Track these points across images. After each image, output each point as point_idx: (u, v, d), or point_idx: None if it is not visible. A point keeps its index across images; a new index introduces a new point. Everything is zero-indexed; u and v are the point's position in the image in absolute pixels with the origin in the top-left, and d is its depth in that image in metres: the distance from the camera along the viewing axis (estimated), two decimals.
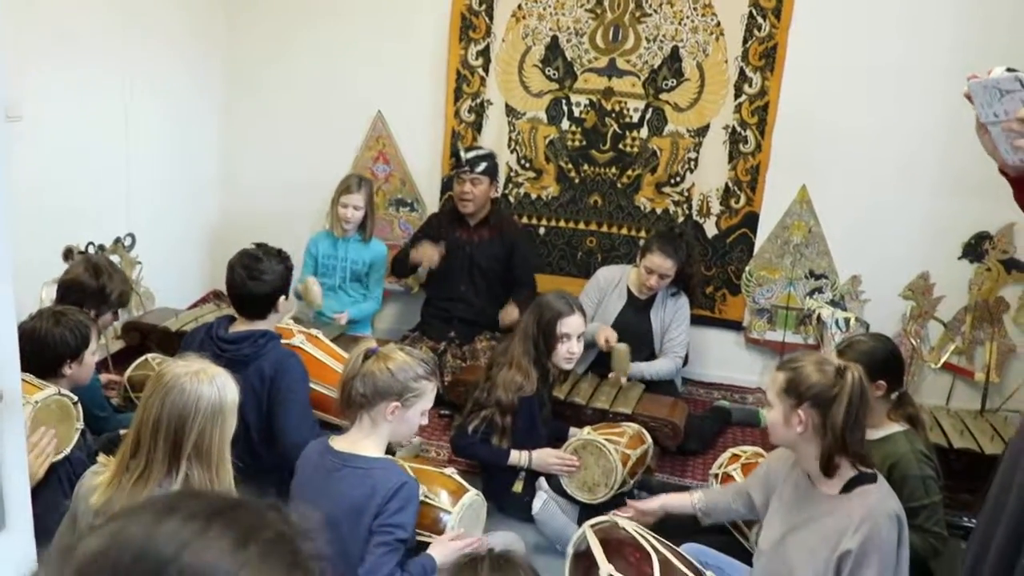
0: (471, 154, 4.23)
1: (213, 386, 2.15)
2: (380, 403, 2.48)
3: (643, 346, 4.13)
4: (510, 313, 4.25)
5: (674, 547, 2.59)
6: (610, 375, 3.95)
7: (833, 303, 4.35)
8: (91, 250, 4.05)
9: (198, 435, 2.11)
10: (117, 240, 4.29)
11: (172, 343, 3.84)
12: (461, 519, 2.71)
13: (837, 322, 4.10)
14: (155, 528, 0.71)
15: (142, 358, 3.65)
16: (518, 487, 3.28)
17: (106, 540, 0.71)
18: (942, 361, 4.31)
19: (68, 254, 3.93)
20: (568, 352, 3.31)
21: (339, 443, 2.56)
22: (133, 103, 4.30)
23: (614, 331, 3.98)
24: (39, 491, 2.41)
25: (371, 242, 4.53)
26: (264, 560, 0.72)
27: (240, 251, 3.11)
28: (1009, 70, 1.73)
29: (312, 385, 3.24)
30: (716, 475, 3.24)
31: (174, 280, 4.78)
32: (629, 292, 4.18)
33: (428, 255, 4.34)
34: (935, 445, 3.19)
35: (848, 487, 2.37)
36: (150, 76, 4.41)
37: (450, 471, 2.88)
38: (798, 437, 2.38)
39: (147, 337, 4.17)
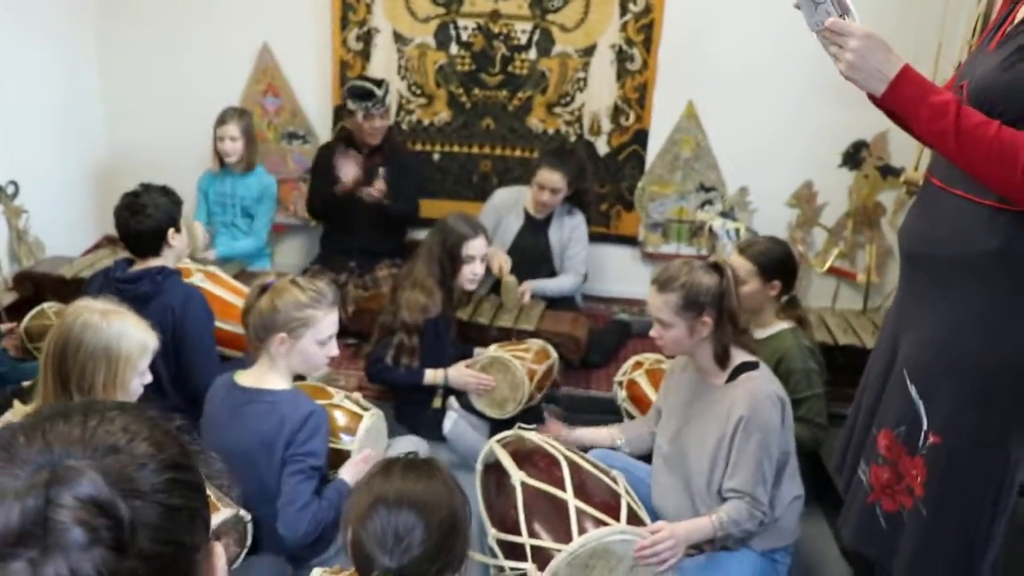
0: (382, 90, 4.16)
1: (109, 327, 2.15)
2: (269, 336, 2.48)
3: (543, 264, 4.20)
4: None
5: (581, 452, 2.70)
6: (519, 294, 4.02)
7: (723, 214, 4.49)
8: None
9: (79, 372, 2.12)
10: None
11: (68, 291, 3.73)
12: (362, 446, 2.73)
13: (728, 232, 4.24)
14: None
15: (38, 308, 3.55)
16: (437, 403, 3.34)
17: None
18: (827, 265, 4.51)
19: None
20: (472, 273, 3.36)
21: (244, 378, 2.55)
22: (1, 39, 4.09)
23: (508, 258, 4.02)
24: None
25: (256, 174, 4.44)
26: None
27: (124, 192, 3.05)
28: None
29: (216, 323, 3.22)
30: (620, 382, 3.36)
31: (64, 227, 4.61)
32: (526, 213, 4.23)
33: (352, 174, 4.25)
34: (821, 343, 3.37)
35: (733, 376, 2.52)
36: (17, 8, 4.20)
37: (340, 398, 2.82)
38: (701, 342, 2.49)
39: (41, 287, 4.03)
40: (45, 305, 3.57)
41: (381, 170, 4.21)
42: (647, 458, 2.88)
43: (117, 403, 0.76)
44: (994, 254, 1.79)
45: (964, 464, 1.87)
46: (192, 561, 0.72)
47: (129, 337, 2.17)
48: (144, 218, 2.94)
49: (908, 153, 4.04)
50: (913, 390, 1.93)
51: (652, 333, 2.57)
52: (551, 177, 4.02)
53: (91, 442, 0.69)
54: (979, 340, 1.85)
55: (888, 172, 4.38)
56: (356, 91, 4.19)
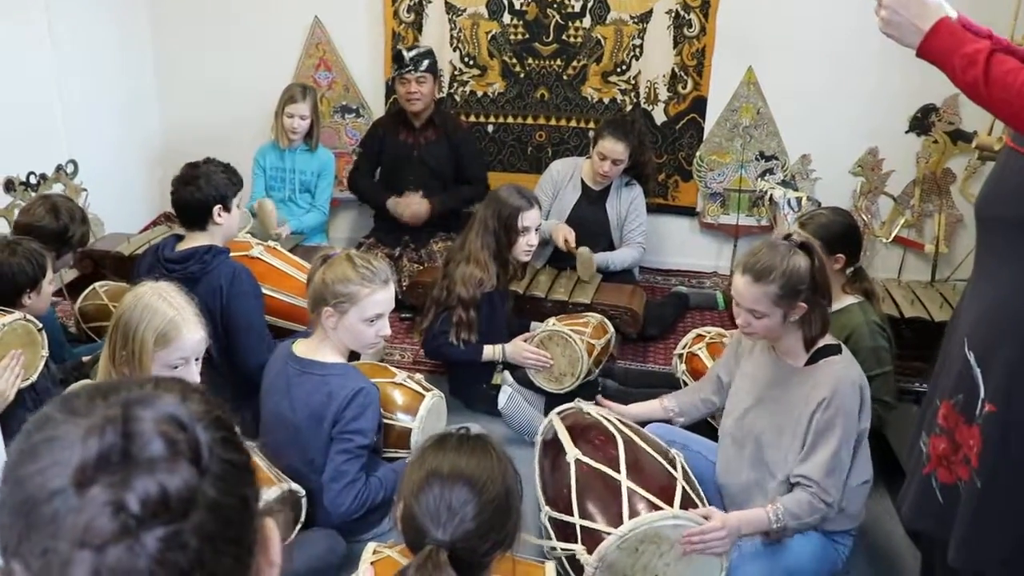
0: (412, 52, 4.13)
1: (136, 306, 2.20)
2: (319, 309, 2.48)
3: (600, 237, 4.14)
4: (411, 204, 4.25)
5: (640, 428, 2.64)
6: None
7: (784, 183, 4.38)
8: (32, 180, 3.94)
9: (114, 346, 2.20)
10: (59, 167, 4.16)
11: (126, 268, 3.77)
12: (423, 429, 2.71)
13: (789, 202, 4.12)
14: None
15: (90, 288, 3.59)
16: (497, 379, 3.32)
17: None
18: (893, 235, 4.37)
19: (9, 185, 3.82)
20: (527, 245, 3.32)
21: (300, 348, 2.56)
22: (56, 20, 4.11)
23: (571, 230, 3.96)
24: (3, 420, 2.39)
25: (318, 151, 4.45)
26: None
27: (186, 163, 3.06)
28: None
29: (274, 294, 3.24)
30: (681, 355, 3.29)
31: (122, 205, 4.67)
32: (583, 184, 4.16)
33: (413, 212, 4.29)
34: (887, 315, 3.26)
35: (814, 359, 2.42)
36: None
37: (402, 377, 2.83)
38: (791, 326, 2.40)
39: (100, 264, 4.08)
40: (96, 285, 3.60)
41: (420, 193, 4.26)
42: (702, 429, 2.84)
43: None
44: None
45: (1019, 435, 1.79)
46: (252, 525, 0.71)
47: (150, 325, 2.17)
48: (194, 189, 2.94)
49: (981, 117, 3.87)
50: (971, 357, 1.86)
51: (739, 321, 2.44)
52: (615, 147, 3.94)
53: (161, 391, 0.69)
54: None
55: (959, 137, 4.22)
56: (393, 57, 4.17)
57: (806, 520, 2.33)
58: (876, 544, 2.77)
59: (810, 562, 2.47)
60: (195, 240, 2.99)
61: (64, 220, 3.10)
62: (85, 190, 4.30)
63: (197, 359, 2.26)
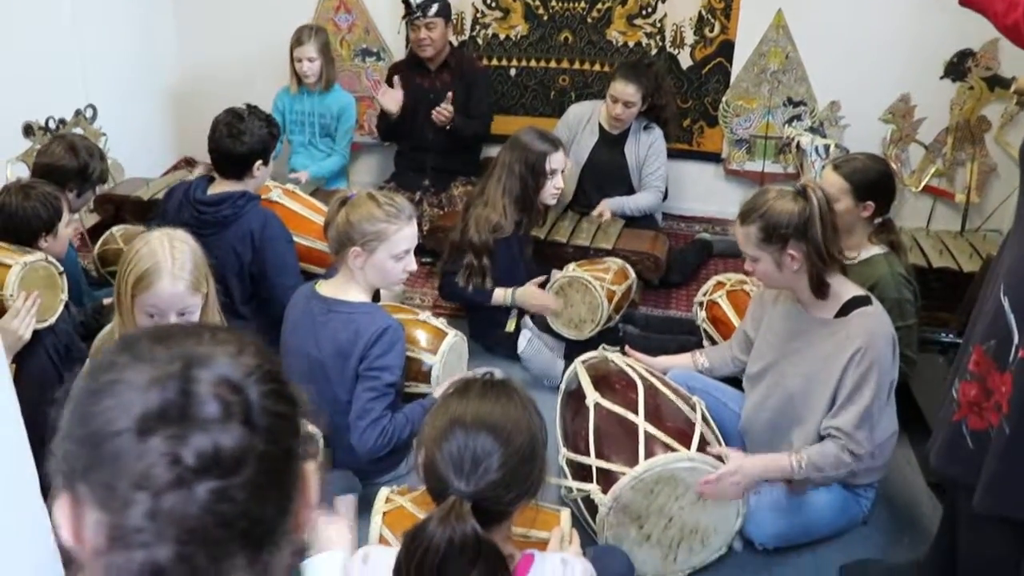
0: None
1: (133, 247, 2.13)
2: (345, 250, 2.47)
3: (618, 182, 4.08)
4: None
5: (663, 376, 2.62)
6: (597, 212, 3.95)
7: (812, 130, 4.28)
8: (51, 125, 3.92)
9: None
10: (78, 112, 4.13)
11: (146, 213, 3.78)
12: (445, 364, 2.73)
13: (816, 149, 4.05)
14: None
15: (107, 232, 3.58)
16: (510, 326, 3.30)
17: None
18: (923, 184, 4.28)
19: (28, 130, 3.81)
20: (555, 188, 3.30)
21: (325, 288, 2.56)
22: None
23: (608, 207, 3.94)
24: (24, 361, 2.40)
25: (334, 93, 4.40)
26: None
27: (227, 108, 3.04)
28: None
29: (293, 238, 3.22)
30: (701, 303, 3.25)
31: (141, 149, 4.64)
32: (601, 128, 4.10)
33: (388, 100, 4.20)
34: (914, 265, 3.19)
35: (844, 310, 2.37)
36: None
37: (425, 316, 2.87)
38: (793, 275, 2.36)
39: (121, 208, 4.07)
40: (113, 229, 3.59)
41: (449, 94, 4.10)
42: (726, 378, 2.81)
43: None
44: None
45: None
46: (296, 472, 0.77)
47: (136, 267, 2.08)
48: (239, 142, 2.94)
49: (1021, 62, 3.77)
50: (1006, 302, 1.81)
51: (746, 266, 2.44)
52: (625, 90, 3.87)
53: (218, 350, 0.74)
54: None
55: (997, 83, 4.09)
56: (404, 2, 4.09)
57: (829, 474, 2.31)
58: (896, 495, 2.75)
59: (831, 517, 2.47)
60: (226, 186, 2.99)
61: (84, 157, 3.08)
62: (104, 135, 4.27)
63: (181, 314, 2.10)
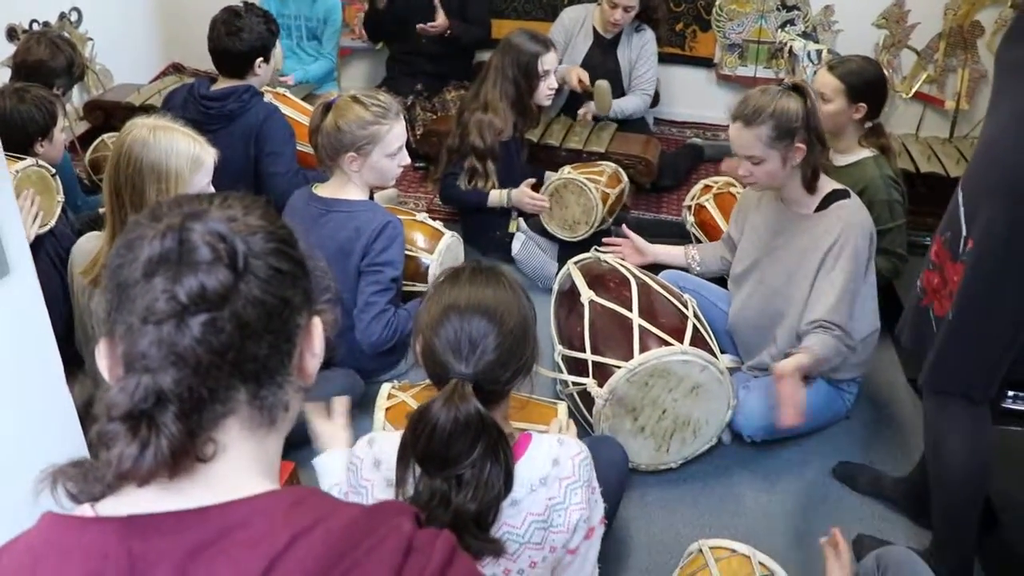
0: None
1: (157, 143, 2.08)
2: (339, 156, 2.49)
3: (613, 85, 4.06)
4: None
5: (654, 276, 2.69)
6: (583, 112, 3.95)
7: (805, 35, 4.28)
8: (35, 28, 3.85)
9: (131, 189, 2.07)
10: (62, 15, 4.07)
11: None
12: (442, 263, 2.78)
13: (809, 54, 4.04)
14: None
15: (98, 139, 3.53)
16: (513, 227, 3.35)
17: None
18: (913, 90, 4.30)
19: (12, 33, 3.76)
20: (548, 88, 3.32)
21: (322, 190, 2.58)
22: None
23: (584, 70, 3.91)
24: None
25: None
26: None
27: (224, 7, 3.04)
28: None
29: None
30: (689, 207, 3.31)
31: (128, 55, 4.58)
32: (595, 31, 4.07)
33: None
34: (903, 170, 3.24)
35: (824, 204, 2.44)
36: None
37: (423, 216, 2.92)
38: (791, 171, 2.40)
39: (111, 115, 4.02)
40: (104, 136, 3.55)
41: (437, 3, 4.06)
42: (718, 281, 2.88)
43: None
44: None
45: (991, 274, 1.80)
46: (294, 321, 0.85)
47: (178, 153, 2.09)
48: (238, 39, 2.95)
49: None
50: (960, 195, 1.88)
51: (741, 171, 2.45)
52: None
53: (215, 211, 0.83)
54: (1014, 145, 1.76)
55: None
56: None
57: (833, 362, 2.39)
58: (878, 392, 2.84)
59: (816, 411, 2.54)
60: (230, 83, 3.01)
61: (68, 52, 3.06)
62: (91, 39, 4.21)
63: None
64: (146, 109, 3.77)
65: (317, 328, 0.89)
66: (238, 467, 0.81)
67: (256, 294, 0.79)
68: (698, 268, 2.91)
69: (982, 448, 1.98)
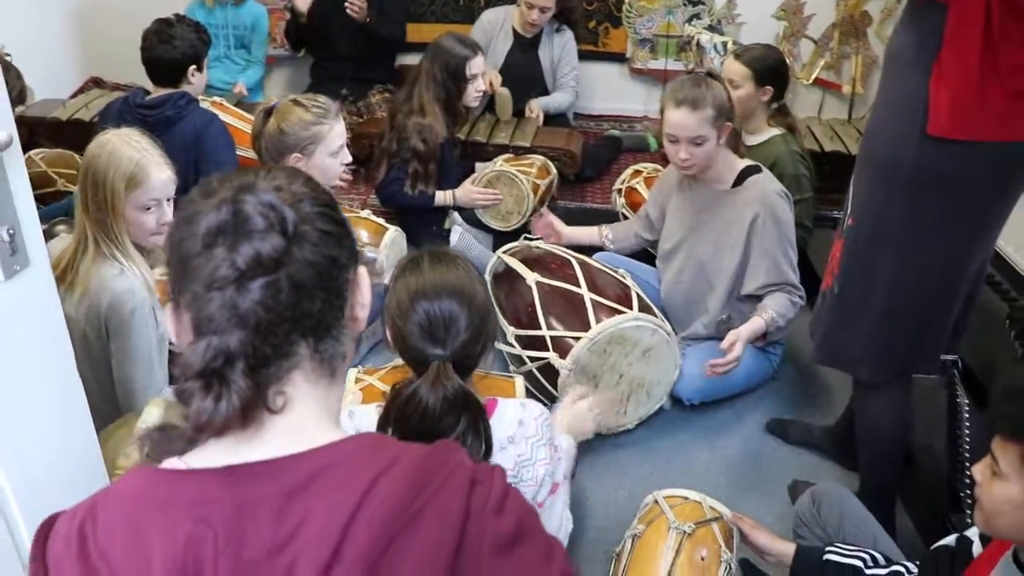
0: None
1: (101, 152, 2.14)
2: (283, 158, 2.56)
3: (535, 84, 4.24)
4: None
5: (587, 257, 2.85)
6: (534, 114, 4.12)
7: (711, 28, 4.51)
8: None
9: (86, 195, 2.14)
10: None
11: (63, 134, 3.73)
12: (387, 256, 2.89)
13: (715, 46, 4.27)
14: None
15: (25, 156, 3.49)
16: (448, 224, 3.47)
17: None
18: (813, 76, 4.57)
19: None
20: (476, 91, 3.43)
21: None
22: None
23: (498, 74, 4.06)
24: None
25: (247, 5, 4.41)
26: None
27: (155, 19, 3.09)
28: None
29: None
30: (620, 190, 3.50)
31: (48, 71, 4.53)
32: (515, 32, 4.23)
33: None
34: (809, 150, 3.47)
35: (739, 180, 2.66)
36: None
37: (366, 212, 3.05)
38: (721, 147, 2.63)
39: (35, 131, 3.96)
40: (32, 152, 3.47)
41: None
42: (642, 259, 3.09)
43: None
44: (912, 46, 1.78)
45: (866, 248, 1.94)
46: (343, 276, 0.92)
47: (118, 170, 2.12)
48: (170, 48, 2.99)
49: None
50: (853, 178, 2.04)
51: (681, 155, 2.60)
52: None
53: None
54: (883, 129, 1.89)
55: None
56: None
57: (789, 316, 2.62)
58: (800, 354, 3.02)
59: (746, 373, 2.73)
60: (164, 92, 3.04)
61: (15, 76, 3.06)
62: (8, 55, 4.17)
63: (168, 199, 2.21)
64: (73, 124, 3.78)
65: (364, 279, 0.98)
66: (310, 416, 0.89)
67: (308, 256, 0.86)
68: (612, 246, 3.11)
69: (902, 410, 2.16)
